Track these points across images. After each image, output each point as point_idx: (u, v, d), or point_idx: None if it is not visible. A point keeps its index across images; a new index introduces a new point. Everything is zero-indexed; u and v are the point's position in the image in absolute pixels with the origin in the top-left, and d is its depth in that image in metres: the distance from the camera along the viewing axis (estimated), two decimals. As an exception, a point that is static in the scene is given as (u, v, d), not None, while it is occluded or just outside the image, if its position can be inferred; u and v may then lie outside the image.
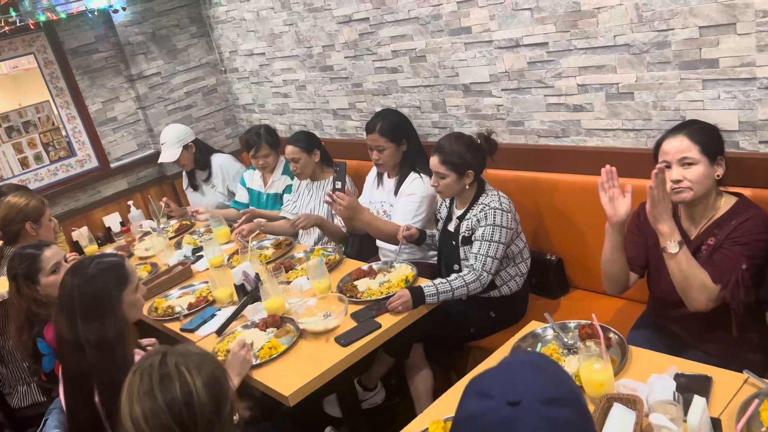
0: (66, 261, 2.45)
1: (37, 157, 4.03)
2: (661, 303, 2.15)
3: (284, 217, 3.55)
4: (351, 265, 2.93)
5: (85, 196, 4.18)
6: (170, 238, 3.76)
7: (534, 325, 2.12)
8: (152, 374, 1.29)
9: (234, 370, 2.19)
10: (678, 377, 1.71)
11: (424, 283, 2.48)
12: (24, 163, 3.98)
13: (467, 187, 2.55)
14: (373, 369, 2.92)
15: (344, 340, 2.31)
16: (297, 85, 4.01)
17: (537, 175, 2.83)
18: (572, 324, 2.04)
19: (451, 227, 2.68)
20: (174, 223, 4.04)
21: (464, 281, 2.44)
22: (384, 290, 2.57)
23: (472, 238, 2.53)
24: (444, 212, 2.77)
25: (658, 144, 2.02)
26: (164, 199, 4.03)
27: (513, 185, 2.91)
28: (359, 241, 3.46)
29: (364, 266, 2.80)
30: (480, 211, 2.51)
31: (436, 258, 2.86)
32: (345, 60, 3.56)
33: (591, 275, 2.79)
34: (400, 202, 3.00)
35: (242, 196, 3.93)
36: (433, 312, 2.49)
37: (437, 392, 2.77)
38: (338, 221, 3.42)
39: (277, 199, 3.74)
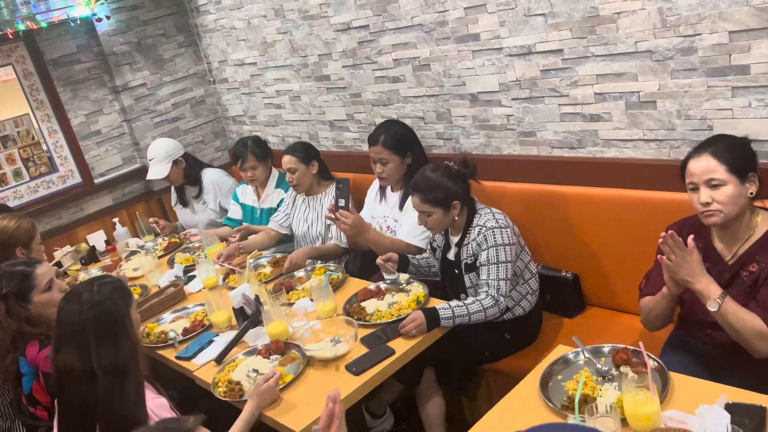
0: (57, 277, 2.30)
1: (17, 174, 3.82)
2: (694, 324, 2.03)
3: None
4: (355, 284, 2.77)
5: (67, 213, 3.98)
6: (159, 257, 3.58)
7: (562, 350, 1.98)
8: None
9: (259, 400, 2.03)
10: (729, 407, 1.58)
11: (438, 304, 2.34)
12: (2, 179, 3.77)
13: (456, 218, 2.43)
14: (381, 395, 2.76)
15: (356, 368, 2.15)
16: (291, 96, 3.86)
17: (550, 188, 2.70)
18: (606, 348, 1.91)
19: (450, 255, 2.56)
20: (162, 241, 3.85)
21: (482, 306, 2.31)
22: (394, 312, 2.42)
23: (477, 264, 2.40)
24: (440, 240, 2.64)
25: (684, 164, 1.89)
26: (152, 220, 3.84)
27: (524, 199, 2.79)
28: (360, 258, 3.31)
29: (371, 286, 2.65)
30: (478, 234, 2.39)
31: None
32: (343, 69, 3.41)
33: (609, 292, 2.68)
34: (405, 218, 2.86)
35: (235, 212, 3.76)
36: (446, 336, 2.35)
37: (448, 418, 2.62)
38: (334, 240, 3.27)
39: (272, 214, 3.58)
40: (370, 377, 2.11)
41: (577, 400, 1.50)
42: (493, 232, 2.35)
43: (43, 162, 3.90)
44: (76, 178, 4.03)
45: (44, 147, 3.90)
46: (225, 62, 4.23)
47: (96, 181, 4.09)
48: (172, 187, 3.98)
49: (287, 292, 2.77)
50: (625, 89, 2.35)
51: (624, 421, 1.58)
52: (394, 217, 2.97)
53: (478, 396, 2.76)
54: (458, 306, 2.31)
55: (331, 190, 3.32)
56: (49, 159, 3.92)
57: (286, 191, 3.50)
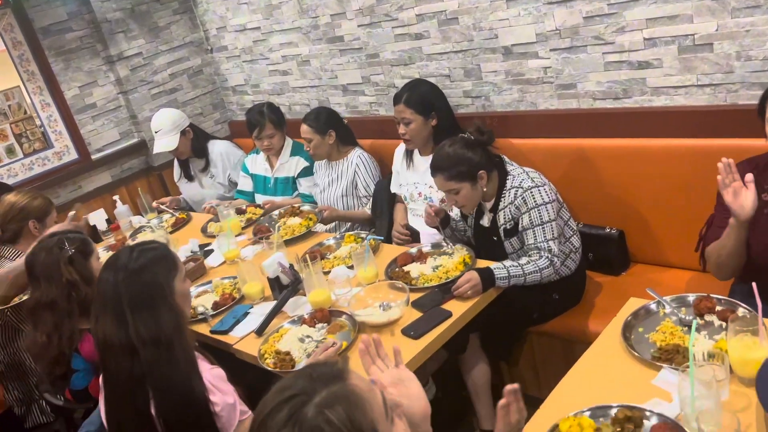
0: None
1: (9, 150, 3.59)
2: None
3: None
4: (389, 250, 2.65)
5: (65, 192, 3.76)
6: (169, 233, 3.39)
7: (635, 303, 1.89)
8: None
9: None
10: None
11: (489, 265, 2.23)
12: (-5, 157, 3.55)
13: (484, 189, 2.31)
14: (426, 364, 2.65)
15: (414, 332, 2.04)
16: (299, 61, 3.68)
17: (592, 141, 2.60)
18: (690, 298, 1.82)
19: (484, 222, 2.45)
20: (168, 218, 3.66)
21: (537, 266, 2.22)
22: (442, 275, 2.31)
23: (520, 229, 2.30)
24: None
25: (763, 102, 1.80)
26: (155, 203, 3.65)
27: (561, 155, 2.68)
28: (387, 225, 3.19)
29: (411, 250, 2.53)
30: (515, 197, 2.28)
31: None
32: (359, 29, 3.25)
33: (655, 248, 2.60)
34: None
35: (246, 185, 3.58)
36: (492, 299, 2.25)
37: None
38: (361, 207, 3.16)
39: (287, 184, 3.43)
40: (430, 341, 2.00)
41: (691, 349, 1.41)
42: (531, 192, 2.24)
43: (36, 138, 3.67)
44: (72, 155, 3.81)
45: (37, 122, 3.67)
46: (224, 29, 4.02)
47: (93, 157, 3.88)
48: (175, 162, 3.78)
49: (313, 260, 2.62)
50: (678, 32, 2.25)
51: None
52: (426, 182, 2.84)
53: (519, 361, 2.67)
54: (513, 266, 2.21)
55: (353, 156, 3.19)
56: (43, 134, 3.69)
57: (307, 159, 3.36)
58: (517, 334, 2.54)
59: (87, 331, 2.00)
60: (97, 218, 3.81)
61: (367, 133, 3.42)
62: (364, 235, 2.77)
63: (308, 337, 2.12)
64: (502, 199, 2.32)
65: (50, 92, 3.67)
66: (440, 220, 2.48)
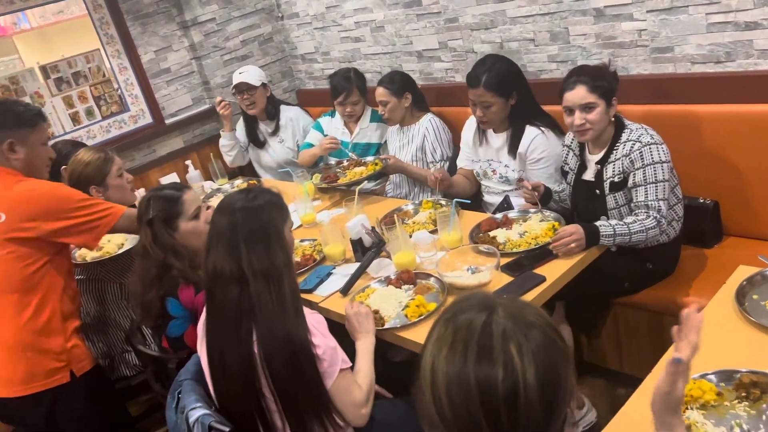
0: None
1: (89, 112, 3.66)
2: None
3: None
4: (470, 216, 2.60)
5: (140, 155, 3.82)
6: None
7: (745, 271, 1.80)
8: (469, 339, 0.91)
9: (362, 329, 1.93)
10: None
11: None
12: (75, 118, 3.61)
13: (612, 120, 2.22)
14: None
15: (506, 295, 1.99)
16: (373, 27, 3.64)
17: (685, 108, 2.48)
18: (809, 265, 1.72)
19: (588, 176, 2.36)
20: (240, 182, 3.69)
21: (644, 226, 2.13)
22: (530, 240, 2.25)
23: (630, 184, 2.21)
24: (573, 162, 2.43)
25: None
26: (219, 98, 3.66)
27: (653, 122, 2.55)
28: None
29: (497, 215, 2.48)
30: (631, 150, 2.18)
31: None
32: (438, -8, 3.19)
33: (750, 220, 2.48)
34: (532, 172, 2.65)
35: (315, 139, 3.55)
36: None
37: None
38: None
39: (368, 149, 3.40)
40: (525, 305, 1.95)
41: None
42: (649, 148, 2.15)
43: (114, 100, 3.73)
44: (147, 119, 3.86)
45: (115, 85, 3.72)
46: (296, -5, 4.00)
47: (167, 121, 3.92)
48: (243, 129, 3.79)
49: (393, 224, 2.59)
50: (794, -10, 2.12)
51: None
52: (501, 161, 2.77)
53: (601, 333, 2.60)
54: (618, 224, 2.13)
55: (425, 121, 3.14)
56: (120, 97, 3.75)
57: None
58: (604, 305, 2.47)
59: (188, 281, 2.02)
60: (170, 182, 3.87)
61: (442, 101, 3.37)
62: (444, 202, 2.73)
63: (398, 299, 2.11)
64: (615, 150, 2.23)
65: (128, 56, 3.72)
66: (541, 196, 2.41)
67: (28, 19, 3.63)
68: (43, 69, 3.49)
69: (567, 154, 2.46)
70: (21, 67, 3.49)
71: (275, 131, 3.72)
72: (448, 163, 3.16)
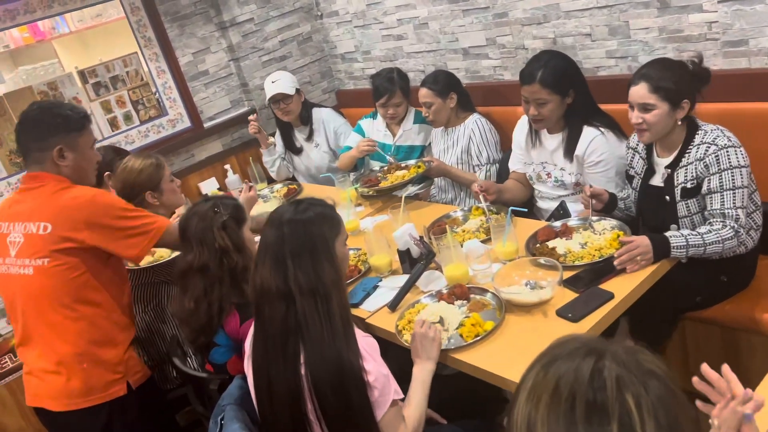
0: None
1: (127, 117, 3.60)
2: None
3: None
4: (523, 224, 2.44)
5: (179, 160, 3.75)
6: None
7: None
8: (575, 390, 0.78)
9: (424, 354, 1.79)
10: None
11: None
12: (113, 123, 3.56)
13: (679, 123, 2.04)
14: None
15: (572, 313, 1.83)
16: (416, 24, 3.49)
17: (764, 106, 2.28)
18: None
19: (656, 181, 2.18)
20: (280, 188, 3.59)
21: (720, 236, 1.95)
22: (594, 252, 2.08)
23: (704, 190, 2.02)
24: (639, 165, 2.25)
25: None
26: (252, 116, 3.60)
27: (725, 121, 2.36)
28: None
29: (555, 224, 2.31)
30: (705, 153, 2.00)
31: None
32: (487, -14, 3.03)
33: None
34: (590, 175, 2.47)
35: (355, 142, 3.42)
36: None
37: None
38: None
39: (411, 152, 3.27)
40: (592, 325, 1.79)
41: None
42: (727, 152, 1.96)
43: (152, 104, 3.67)
44: (186, 122, 3.79)
45: (153, 89, 3.66)
46: (336, -8, 3.88)
47: (205, 125, 3.85)
48: (278, 137, 3.70)
49: (442, 233, 2.44)
50: None
51: None
52: (557, 164, 2.60)
53: (666, 349, 2.42)
54: (691, 234, 1.96)
55: (470, 122, 2.99)
56: (158, 101, 3.68)
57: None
58: (672, 319, 2.29)
59: (234, 306, 1.92)
60: (209, 187, 3.80)
61: (488, 100, 3.21)
62: (495, 209, 2.58)
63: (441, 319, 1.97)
64: (687, 154, 2.05)
65: (165, 59, 3.66)
66: (604, 204, 2.24)
67: (67, 23, 3.59)
68: (81, 74, 3.45)
69: (633, 157, 2.28)
70: (60, 71, 3.45)
71: (310, 136, 3.62)
72: (496, 166, 3.00)
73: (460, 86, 3.03)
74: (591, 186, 2.26)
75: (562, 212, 2.57)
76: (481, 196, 2.50)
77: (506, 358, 1.76)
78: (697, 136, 2.04)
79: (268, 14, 3.92)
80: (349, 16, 3.89)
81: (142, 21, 3.56)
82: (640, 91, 2.02)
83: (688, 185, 2.05)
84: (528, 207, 2.87)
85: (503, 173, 2.94)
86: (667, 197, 2.12)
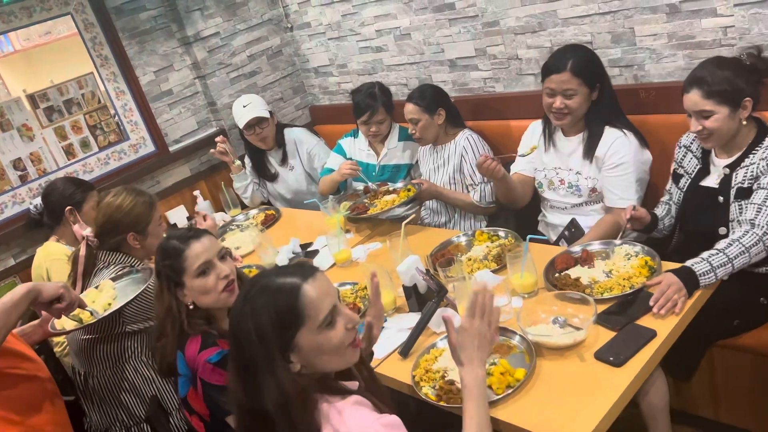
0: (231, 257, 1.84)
1: (84, 144, 3.28)
2: None
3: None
4: (534, 249, 2.23)
5: (142, 187, 3.43)
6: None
7: None
8: None
9: (476, 354, 1.42)
10: None
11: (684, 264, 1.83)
12: (69, 151, 3.23)
13: (744, 122, 1.91)
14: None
15: (615, 357, 1.63)
16: (397, 35, 3.28)
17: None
18: None
19: (709, 182, 2.05)
20: (256, 213, 3.32)
21: (743, 246, 1.82)
22: (622, 282, 1.89)
23: (754, 187, 1.89)
24: (692, 165, 2.12)
25: None
26: (219, 138, 3.32)
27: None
28: (514, 218, 2.79)
29: (574, 248, 2.12)
30: None
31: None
32: (475, -6, 2.83)
33: None
34: (608, 178, 2.31)
35: (336, 164, 3.18)
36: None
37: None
38: (475, 198, 2.76)
39: (397, 172, 3.04)
40: (638, 370, 1.59)
41: None
42: None
43: (111, 129, 3.36)
44: (149, 147, 3.48)
45: (111, 111, 3.35)
46: (307, 3, 3.64)
47: (171, 149, 3.55)
48: (248, 167, 3.43)
49: (449, 265, 2.23)
50: None
51: None
52: (572, 168, 2.42)
53: (691, 379, 2.24)
54: (713, 255, 1.81)
55: (461, 139, 2.79)
56: (117, 125, 3.37)
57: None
58: (705, 345, 2.12)
59: (198, 333, 1.70)
60: (178, 216, 3.50)
61: (477, 115, 3.02)
62: (503, 233, 2.38)
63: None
64: (753, 153, 1.93)
65: (125, 78, 3.35)
66: (645, 226, 2.12)
67: (11, 42, 3.25)
68: (31, 98, 3.12)
69: (684, 156, 2.15)
70: (6, 96, 3.11)
71: (284, 159, 3.37)
72: (491, 185, 2.80)
73: (449, 101, 2.83)
74: (635, 207, 2.09)
75: (574, 230, 2.39)
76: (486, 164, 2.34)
77: (546, 413, 1.55)
78: (767, 139, 1.93)
79: (234, 27, 3.66)
80: (323, 28, 3.65)
81: (98, 38, 3.26)
82: (693, 99, 1.91)
83: (746, 184, 1.93)
84: (531, 222, 2.69)
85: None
86: (721, 198, 2.00)
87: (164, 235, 2.21)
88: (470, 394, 1.39)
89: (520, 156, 2.54)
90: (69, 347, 2.40)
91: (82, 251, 2.24)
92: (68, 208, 2.60)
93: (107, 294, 2.10)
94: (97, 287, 2.13)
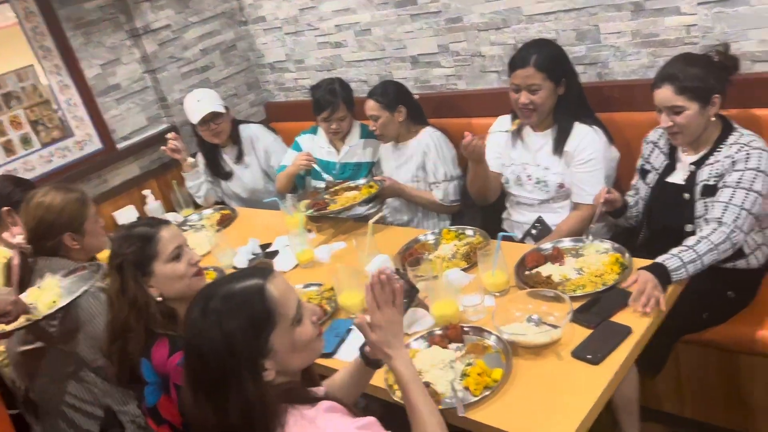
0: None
1: (25, 140, 3.08)
2: None
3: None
4: (503, 247, 2.21)
5: (89, 186, 3.25)
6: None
7: None
8: None
9: (398, 341, 1.42)
10: None
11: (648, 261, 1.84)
12: (8, 148, 3.03)
13: (712, 119, 1.93)
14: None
15: (592, 355, 1.61)
16: (357, 30, 3.21)
17: (748, 112, 2.17)
18: None
19: (676, 178, 2.06)
20: (211, 213, 3.19)
21: (711, 243, 1.83)
22: (595, 280, 1.89)
23: (720, 185, 1.91)
24: (659, 161, 2.13)
25: None
26: (171, 134, 3.15)
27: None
28: (481, 215, 2.76)
29: (544, 246, 2.10)
30: (737, 152, 1.90)
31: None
32: (438, -11, 2.79)
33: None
34: (577, 174, 2.31)
35: (291, 161, 3.08)
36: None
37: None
38: (438, 196, 2.72)
39: (359, 170, 2.97)
40: (616, 368, 1.57)
41: None
42: (760, 154, 1.87)
43: (54, 125, 3.17)
44: (96, 144, 3.30)
45: (54, 106, 3.16)
46: (263, -4, 3.54)
47: (119, 146, 3.38)
48: (201, 165, 3.29)
49: (417, 264, 2.17)
50: None
51: None
52: (540, 163, 2.40)
53: (657, 377, 2.25)
54: (683, 251, 1.83)
55: (424, 136, 2.75)
56: (61, 121, 3.19)
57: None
58: (674, 340, 2.12)
59: (164, 336, 1.59)
60: (126, 216, 3.33)
61: (441, 112, 2.98)
62: (471, 231, 2.34)
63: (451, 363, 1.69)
64: (718, 152, 1.94)
65: (69, 72, 3.16)
66: (614, 209, 2.15)
67: (-58, 31, 3.04)
68: (-34, 91, 2.91)
69: (651, 151, 2.16)
70: (-63, 89, 2.90)
71: (240, 157, 3.25)
72: (454, 183, 2.77)
73: (410, 98, 2.79)
74: (609, 190, 2.11)
75: (540, 227, 2.38)
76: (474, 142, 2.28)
77: (525, 413, 1.51)
78: (731, 136, 1.95)
79: (186, 20, 3.51)
80: (279, 22, 3.55)
81: (39, 28, 3.06)
82: (665, 94, 1.92)
83: (711, 182, 1.95)
84: (496, 219, 2.67)
85: (467, 190, 2.70)
86: (686, 195, 2.01)
87: (107, 233, 2.10)
88: (409, 376, 1.39)
89: (504, 132, 2.49)
90: (8, 358, 2.23)
91: (16, 260, 2.07)
92: (6, 208, 2.42)
93: (51, 292, 1.95)
94: (39, 287, 1.97)
